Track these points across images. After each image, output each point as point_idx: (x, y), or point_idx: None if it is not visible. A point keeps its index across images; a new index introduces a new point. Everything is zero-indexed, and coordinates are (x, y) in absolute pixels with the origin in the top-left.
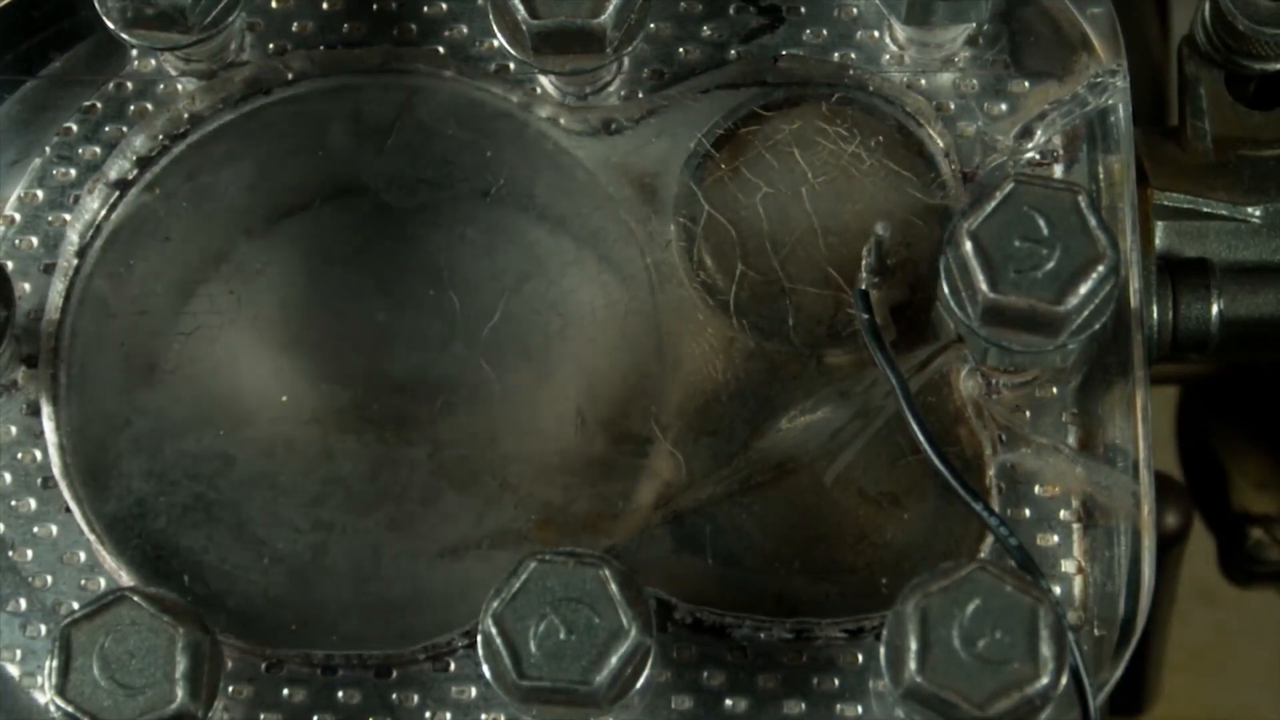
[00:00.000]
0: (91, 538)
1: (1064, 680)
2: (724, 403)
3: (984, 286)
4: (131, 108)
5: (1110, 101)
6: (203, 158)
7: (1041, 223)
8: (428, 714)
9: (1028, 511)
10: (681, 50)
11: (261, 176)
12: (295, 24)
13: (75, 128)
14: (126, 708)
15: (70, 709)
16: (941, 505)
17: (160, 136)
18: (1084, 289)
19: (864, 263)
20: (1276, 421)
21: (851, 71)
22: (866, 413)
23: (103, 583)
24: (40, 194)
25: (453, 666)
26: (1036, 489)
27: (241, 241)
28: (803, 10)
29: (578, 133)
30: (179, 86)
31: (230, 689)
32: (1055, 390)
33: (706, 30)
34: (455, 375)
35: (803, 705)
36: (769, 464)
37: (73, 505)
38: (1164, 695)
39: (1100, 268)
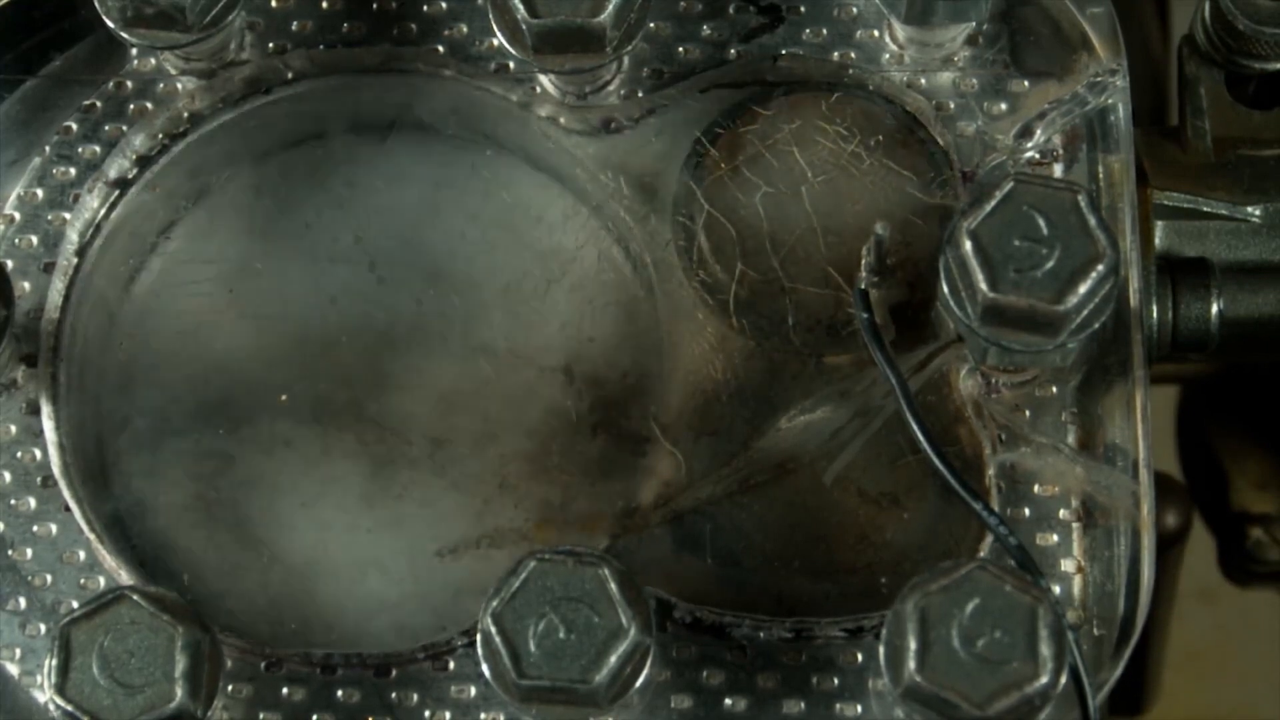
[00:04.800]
0: (91, 537)
1: (1063, 680)
2: (724, 402)
3: (984, 286)
4: (131, 107)
5: (1110, 101)
6: (203, 157)
7: (1041, 222)
8: (427, 713)
9: (1027, 511)
10: (681, 50)
11: (261, 176)
12: (295, 23)
13: (75, 127)
14: (126, 707)
15: (70, 708)
16: (941, 505)
17: (160, 135)
18: (1084, 288)
19: (864, 262)
20: (1276, 421)
21: (851, 71)
22: (866, 412)
23: (102, 582)
24: (40, 193)
25: (452, 665)
26: (1036, 488)
27: (241, 241)
28: (802, 9)
29: (577, 132)
30: (179, 85)
31: (230, 688)
32: (1055, 390)
33: (706, 30)
34: (455, 374)
35: (802, 705)
36: (769, 464)
37: (72, 504)
38: (1164, 695)
39: (1100, 267)
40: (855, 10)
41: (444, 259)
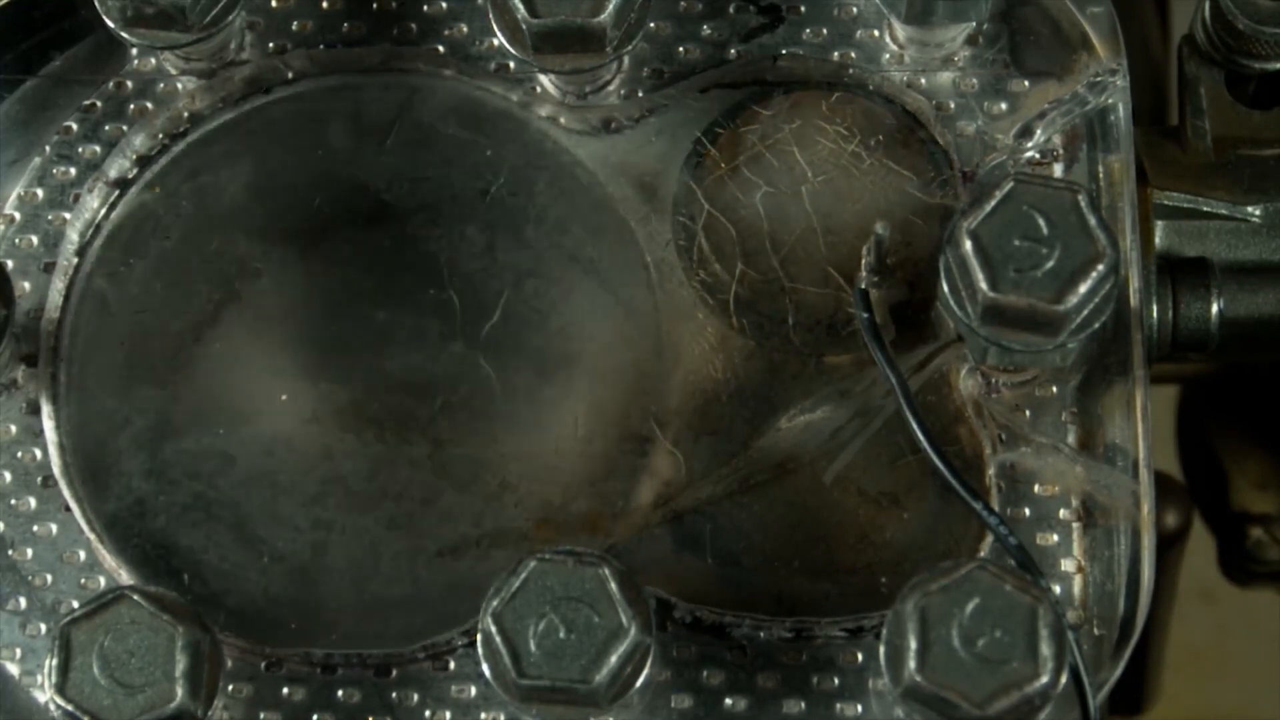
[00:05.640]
0: (91, 536)
1: (1063, 679)
2: (724, 402)
3: (984, 285)
4: (131, 106)
5: (1110, 101)
6: (203, 157)
7: (1041, 222)
8: (427, 713)
9: (1027, 511)
10: (681, 49)
11: (261, 176)
12: (295, 23)
13: (75, 126)
14: (126, 706)
15: (70, 708)
16: (941, 505)
17: (160, 135)
18: (1084, 288)
19: (864, 262)
20: (1276, 421)
21: (851, 71)
22: (866, 412)
23: (102, 581)
24: (40, 193)
25: (452, 665)
26: (1036, 488)
27: (241, 241)
28: (802, 9)
29: (577, 132)
30: (179, 85)
31: (230, 688)
32: (1055, 389)
33: (706, 29)
34: (455, 375)
35: (802, 704)
36: (769, 463)
37: (72, 504)
38: (1164, 695)
39: (1100, 267)
40: (855, 10)
41: (444, 258)
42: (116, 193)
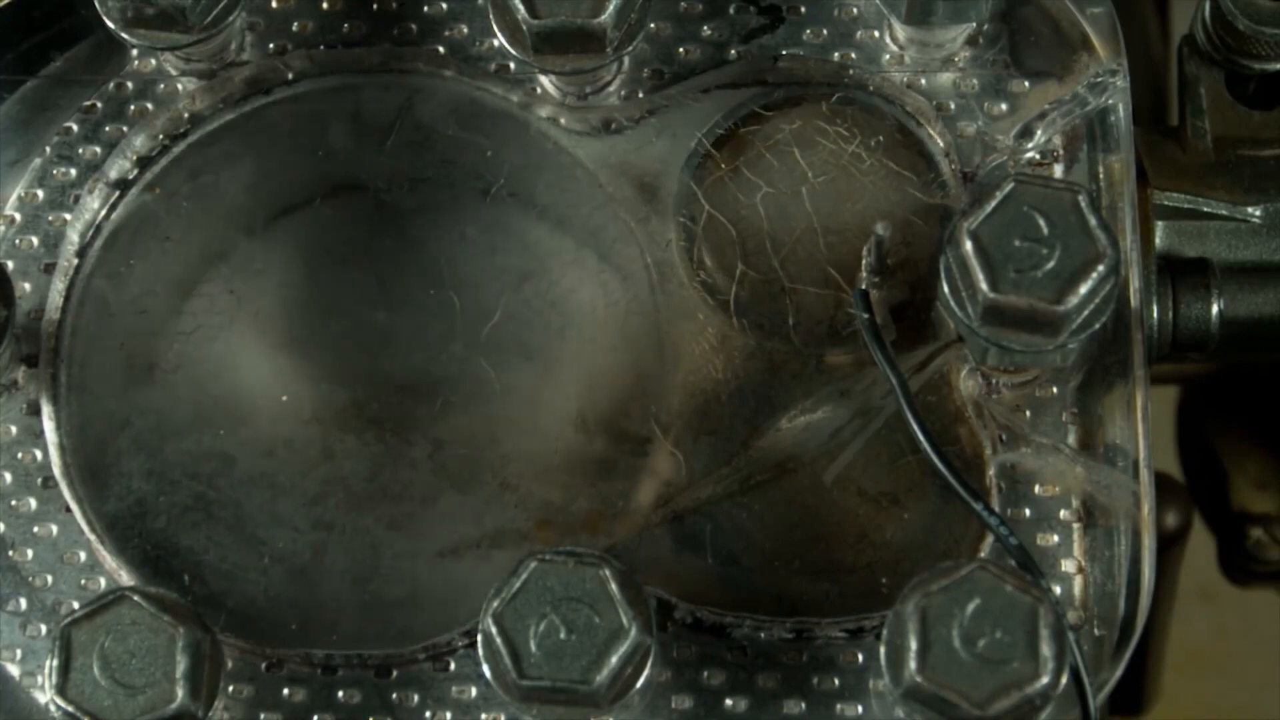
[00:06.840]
0: (92, 537)
1: (1064, 680)
2: (724, 402)
3: (984, 286)
4: (132, 107)
5: (1110, 101)
6: (203, 157)
7: (1041, 222)
8: (428, 713)
9: (1028, 511)
10: (681, 50)
11: (261, 176)
12: (295, 24)
13: (75, 127)
14: (127, 707)
15: (70, 708)
16: (941, 505)
17: (160, 136)
18: (1084, 288)
19: (864, 262)
20: (1276, 421)
21: (851, 71)
22: (866, 412)
23: (103, 582)
24: (40, 193)
25: (453, 666)
26: (1036, 488)
27: (241, 241)
28: (803, 10)
29: (578, 132)
30: (179, 86)
31: (230, 688)
32: (1055, 390)
33: (706, 30)
34: (455, 375)
35: (803, 705)
36: (769, 463)
37: (73, 505)
38: (1164, 695)
39: (1100, 267)
40: (855, 10)
41: (443, 260)
42: (117, 193)
